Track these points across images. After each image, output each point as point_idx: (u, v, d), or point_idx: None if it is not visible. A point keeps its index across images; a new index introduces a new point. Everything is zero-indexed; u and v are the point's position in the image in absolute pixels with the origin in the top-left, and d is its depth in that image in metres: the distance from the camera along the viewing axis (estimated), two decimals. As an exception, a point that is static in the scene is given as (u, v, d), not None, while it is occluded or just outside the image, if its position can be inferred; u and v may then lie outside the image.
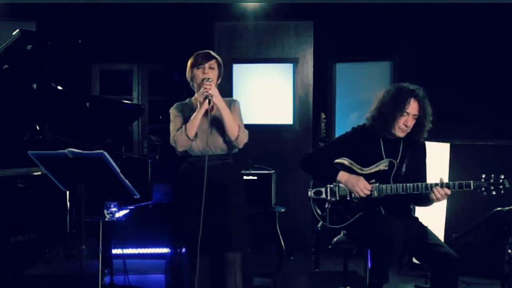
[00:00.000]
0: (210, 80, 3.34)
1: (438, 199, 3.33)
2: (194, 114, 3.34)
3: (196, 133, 3.36)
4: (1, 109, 4.10)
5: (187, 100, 3.57)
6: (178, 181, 3.55)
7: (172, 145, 3.43)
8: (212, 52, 3.49)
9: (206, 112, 3.36)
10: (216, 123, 3.41)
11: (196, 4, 6.21)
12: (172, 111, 3.53)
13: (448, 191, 3.30)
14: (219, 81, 3.50)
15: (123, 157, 4.56)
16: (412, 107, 3.35)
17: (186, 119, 3.41)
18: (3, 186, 3.46)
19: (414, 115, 3.36)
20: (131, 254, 5.31)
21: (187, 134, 3.34)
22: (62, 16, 6.27)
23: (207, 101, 3.30)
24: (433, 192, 3.30)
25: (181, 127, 3.38)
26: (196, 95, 3.46)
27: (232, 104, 3.48)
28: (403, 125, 3.37)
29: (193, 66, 3.44)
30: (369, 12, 5.88)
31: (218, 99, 3.33)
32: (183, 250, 3.49)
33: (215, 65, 3.44)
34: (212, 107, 3.34)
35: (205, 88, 3.30)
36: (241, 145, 3.44)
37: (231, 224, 3.38)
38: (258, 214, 4.82)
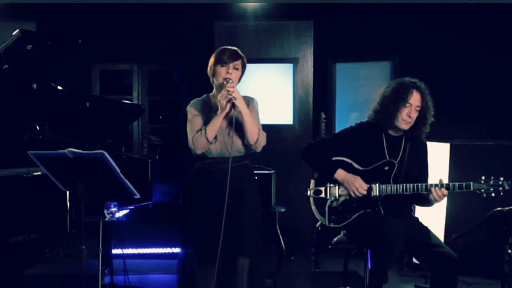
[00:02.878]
0: (230, 80, 3.20)
1: (436, 200, 3.35)
2: (215, 117, 3.22)
3: (216, 135, 3.25)
4: (1, 109, 4.10)
5: (203, 97, 3.41)
6: (188, 181, 3.42)
7: (190, 147, 3.28)
8: (239, 51, 3.33)
9: (226, 114, 3.24)
10: (236, 125, 3.25)
11: (196, 4, 6.21)
12: (190, 109, 3.35)
13: (445, 191, 3.32)
14: (239, 82, 3.35)
15: (123, 157, 4.56)
16: (415, 98, 3.36)
17: (204, 119, 3.28)
18: (3, 186, 3.46)
19: (417, 106, 3.38)
20: (131, 254, 5.31)
21: (207, 137, 3.20)
22: (62, 16, 6.27)
23: (230, 104, 3.18)
24: (432, 193, 3.31)
25: (200, 128, 3.25)
26: (215, 93, 3.33)
27: (250, 103, 3.35)
28: (407, 116, 3.37)
29: (216, 63, 3.27)
30: (369, 12, 5.88)
31: (241, 103, 3.20)
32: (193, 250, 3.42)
33: (239, 66, 3.29)
34: (232, 108, 3.21)
35: (228, 91, 3.16)
36: (259, 149, 3.33)
37: (245, 228, 3.28)
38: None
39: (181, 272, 3.48)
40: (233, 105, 3.19)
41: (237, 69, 3.28)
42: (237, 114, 3.25)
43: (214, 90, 3.38)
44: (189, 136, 3.29)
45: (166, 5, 6.26)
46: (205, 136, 3.21)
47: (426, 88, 3.42)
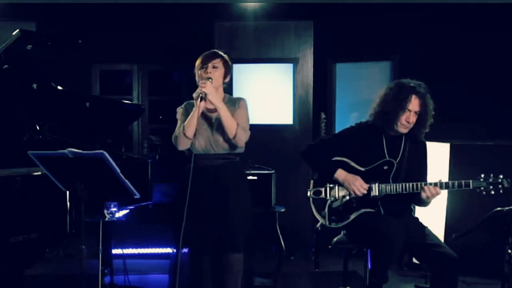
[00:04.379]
0: (209, 79, 3.32)
1: (428, 198, 3.34)
2: (191, 113, 3.34)
3: (195, 132, 3.35)
4: (1, 109, 4.10)
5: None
6: (182, 180, 3.52)
7: (174, 144, 3.42)
8: (218, 51, 3.46)
9: (211, 111, 3.37)
10: (218, 122, 3.39)
11: (196, 4, 6.21)
12: (178, 109, 3.53)
13: (439, 190, 3.31)
14: (226, 80, 3.48)
15: (123, 157, 4.56)
16: (413, 104, 3.36)
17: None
18: (3, 186, 3.46)
19: (416, 111, 3.37)
20: (131, 254, 5.31)
21: (185, 133, 3.33)
22: (62, 16, 6.27)
23: (199, 100, 3.28)
24: (423, 190, 3.31)
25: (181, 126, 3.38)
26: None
27: (237, 103, 3.46)
28: (405, 121, 3.38)
29: (198, 68, 3.43)
30: (369, 12, 5.88)
31: (213, 97, 3.30)
32: (185, 250, 3.48)
33: (219, 64, 3.40)
34: (202, 102, 3.32)
35: (200, 88, 3.29)
36: (240, 144, 3.41)
37: (233, 224, 3.36)
38: (258, 214, 4.81)
39: (173, 272, 3.53)
40: (202, 99, 3.27)
41: (216, 67, 3.39)
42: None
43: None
44: (173, 134, 3.43)
45: (166, 5, 6.26)
46: (183, 132, 3.33)
47: (426, 89, 3.40)
